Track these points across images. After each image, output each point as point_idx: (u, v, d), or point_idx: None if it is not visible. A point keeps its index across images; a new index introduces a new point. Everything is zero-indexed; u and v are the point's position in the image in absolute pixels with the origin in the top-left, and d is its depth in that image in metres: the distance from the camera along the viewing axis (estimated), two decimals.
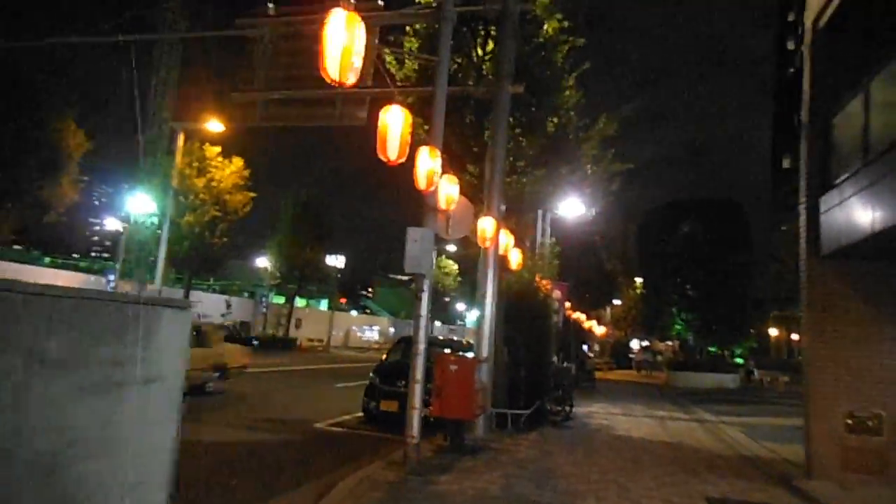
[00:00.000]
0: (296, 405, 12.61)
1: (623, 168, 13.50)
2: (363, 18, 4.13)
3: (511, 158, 10.35)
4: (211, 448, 7.69)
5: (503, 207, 9.68)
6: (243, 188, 30.14)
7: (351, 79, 3.82)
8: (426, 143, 6.99)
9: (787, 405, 18.44)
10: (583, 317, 34.05)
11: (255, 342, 31.07)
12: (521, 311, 11.02)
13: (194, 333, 12.00)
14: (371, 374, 11.00)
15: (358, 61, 3.79)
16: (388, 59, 10.40)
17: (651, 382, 31.04)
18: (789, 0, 54.00)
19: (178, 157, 23.98)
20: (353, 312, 65.76)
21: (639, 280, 49.80)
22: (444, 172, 7.22)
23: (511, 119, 9.75)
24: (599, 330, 44.82)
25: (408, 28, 10.24)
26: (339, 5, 3.82)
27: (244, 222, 31.43)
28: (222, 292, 44.74)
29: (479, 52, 10.35)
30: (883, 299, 7.68)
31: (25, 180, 18.28)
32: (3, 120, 16.82)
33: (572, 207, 15.77)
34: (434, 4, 8.87)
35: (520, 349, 10.92)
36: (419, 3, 9.72)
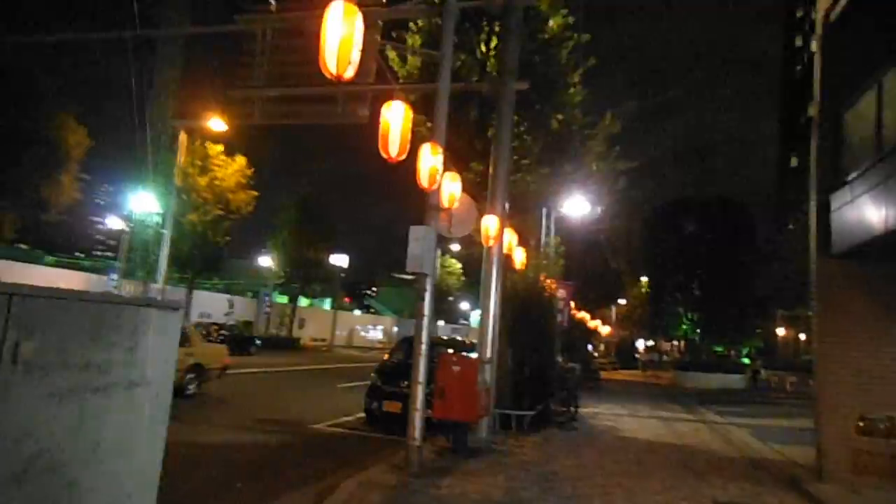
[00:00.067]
0: (297, 406, 12.52)
1: (628, 166, 13.38)
2: (364, 13, 4.02)
3: (515, 156, 10.23)
4: (209, 450, 7.60)
5: (507, 206, 9.55)
6: (246, 187, 30.08)
7: (350, 73, 3.70)
8: (429, 141, 6.86)
9: (795, 406, 18.25)
10: (588, 316, 33.89)
11: (259, 342, 31.01)
12: (525, 310, 10.88)
13: None
14: (373, 375, 10.89)
15: (357, 55, 3.68)
16: (391, 55, 10.29)
17: (657, 383, 30.86)
18: None
19: (181, 156, 23.93)
20: (357, 312, 65.76)
21: (644, 279, 49.58)
22: (446, 170, 7.10)
23: (515, 116, 9.61)
24: (604, 329, 44.64)
25: (411, 24, 10.12)
26: None
27: (247, 221, 31.38)
28: (226, 292, 44.74)
29: (483, 48, 10.21)
30: (895, 300, 7.53)
31: (24, 178, 18.23)
32: (2, 116, 16.77)
33: (577, 206, 15.62)
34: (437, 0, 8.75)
35: (524, 349, 10.79)
36: None
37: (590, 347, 36.18)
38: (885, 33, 6.84)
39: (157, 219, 22.61)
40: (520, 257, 11.33)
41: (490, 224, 8.78)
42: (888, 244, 6.57)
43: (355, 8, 3.82)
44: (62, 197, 20.47)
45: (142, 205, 22.31)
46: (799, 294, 31.40)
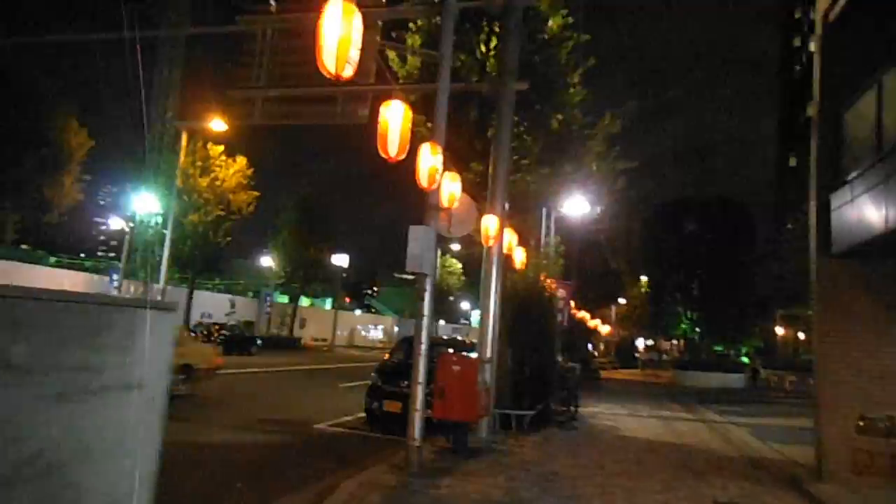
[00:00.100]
0: (298, 405, 12.53)
1: (628, 166, 13.38)
2: (363, 13, 4.02)
3: (515, 156, 10.23)
4: (209, 450, 7.61)
5: (507, 206, 9.56)
6: (247, 187, 30.11)
7: (348, 72, 3.70)
8: (428, 141, 6.86)
9: (795, 405, 18.25)
10: (587, 316, 33.89)
11: (260, 342, 31.02)
12: (525, 310, 10.88)
13: None
14: (373, 374, 10.89)
15: (355, 54, 3.68)
16: (391, 56, 10.29)
17: (656, 382, 30.85)
18: None
19: (182, 157, 23.94)
20: (358, 311, 65.76)
21: (644, 279, 49.58)
22: (446, 170, 7.10)
23: (515, 116, 9.61)
24: (604, 329, 44.64)
25: (410, 24, 10.13)
26: None
27: (248, 221, 31.44)
28: (227, 292, 44.76)
29: (483, 48, 10.22)
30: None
31: (26, 179, 18.25)
32: (2, 117, 16.79)
33: (577, 206, 15.63)
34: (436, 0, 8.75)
35: (524, 349, 10.79)
36: None
37: (590, 347, 36.20)
38: (885, 33, 6.84)
39: (159, 219, 22.63)
40: (520, 257, 11.33)
41: (490, 224, 8.79)
42: (888, 243, 6.57)
43: (353, 7, 3.83)
44: (64, 198, 20.51)
45: (143, 205, 22.32)
46: (798, 293, 31.41)
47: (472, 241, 11.28)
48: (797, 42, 56.47)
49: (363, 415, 10.56)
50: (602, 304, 42.47)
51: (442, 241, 11.08)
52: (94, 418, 1.84)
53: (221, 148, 28.36)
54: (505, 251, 9.86)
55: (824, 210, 7.82)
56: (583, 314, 31.39)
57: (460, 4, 8.14)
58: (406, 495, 5.69)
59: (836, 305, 7.80)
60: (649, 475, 7.29)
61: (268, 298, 43.52)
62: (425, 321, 6.96)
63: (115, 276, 27.31)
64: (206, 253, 29.35)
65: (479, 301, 9.67)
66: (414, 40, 10.05)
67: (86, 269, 36.40)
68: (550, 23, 10.45)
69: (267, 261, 42.21)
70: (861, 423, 7.36)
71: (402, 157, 5.53)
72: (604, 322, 43.99)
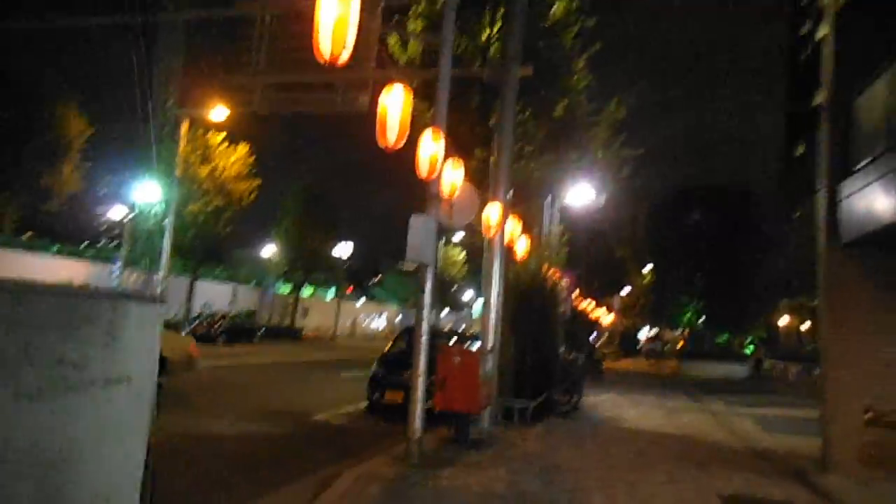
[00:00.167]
0: (299, 396, 12.49)
1: (633, 154, 13.22)
2: None
3: (518, 143, 10.08)
4: (210, 441, 7.56)
5: (510, 194, 9.43)
6: (248, 176, 29.97)
7: (345, 56, 3.57)
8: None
9: (799, 396, 18.18)
10: (591, 306, 33.80)
11: (262, 331, 31.04)
12: (528, 300, 10.79)
13: None
14: (375, 365, 10.84)
15: (352, 37, 3.55)
16: (392, 42, 10.14)
17: (660, 372, 30.81)
18: None
19: (182, 145, 23.76)
20: (361, 301, 65.76)
21: (648, 268, 49.42)
22: (448, 158, 6.97)
23: (518, 103, 9.46)
24: (608, 319, 44.57)
25: (412, 9, 9.95)
26: None
27: (250, 211, 31.32)
28: (229, 281, 44.74)
29: (486, 33, 10.04)
30: None
31: (25, 167, 18.16)
32: (1, 106, 16.67)
33: (581, 194, 15.45)
34: None
35: (526, 339, 10.70)
36: None
37: (593, 337, 36.13)
38: None
39: (160, 208, 22.52)
40: (523, 247, 11.21)
41: (492, 213, 8.67)
42: None
43: None
44: (64, 186, 20.42)
45: (144, 194, 22.21)
46: (803, 284, 31.24)
47: (475, 231, 11.16)
48: (804, 30, 55.82)
49: (364, 405, 10.52)
50: (606, 293, 42.35)
51: (444, 231, 10.96)
52: (78, 414, 1.75)
53: (222, 136, 28.18)
54: (507, 241, 9.75)
55: (833, 199, 7.68)
56: (586, 304, 31.31)
57: None
58: (406, 487, 5.62)
59: (843, 296, 7.67)
60: (652, 467, 7.21)
61: (270, 288, 43.52)
62: (426, 312, 6.86)
63: (117, 266, 27.29)
64: (207, 242, 29.29)
65: (481, 291, 9.57)
66: (415, 25, 9.88)
67: (88, 258, 36.38)
68: (555, 7, 10.26)
69: (269, 250, 42.16)
70: (868, 415, 7.27)
71: (401, 145, 5.40)
72: (607, 312, 43.92)
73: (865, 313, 7.52)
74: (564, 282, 15.41)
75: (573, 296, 21.01)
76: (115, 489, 1.87)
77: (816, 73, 8.47)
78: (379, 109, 5.34)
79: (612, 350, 42.72)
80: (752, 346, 46.78)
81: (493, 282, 9.01)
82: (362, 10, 3.81)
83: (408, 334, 11.51)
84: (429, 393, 7.12)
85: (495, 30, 9.86)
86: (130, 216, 24.26)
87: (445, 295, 51.27)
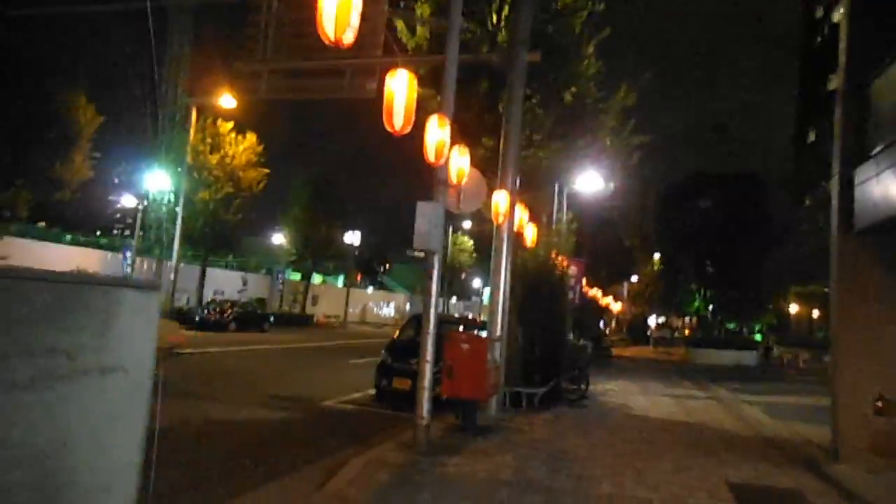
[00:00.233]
0: (308, 382, 12.57)
1: (643, 141, 13.08)
2: None
3: (527, 130, 10.00)
4: (219, 427, 7.62)
5: (518, 181, 9.35)
6: (257, 164, 30.04)
7: (349, 37, 3.52)
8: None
9: (808, 383, 18.06)
10: (600, 293, 33.70)
11: (272, 319, 31.23)
12: (536, 287, 10.75)
13: None
14: (383, 352, 10.88)
15: (356, 18, 3.49)
16: (400, 26, 10.05)
17: (668, 359, 30.72)
18: None
19: (192, 133, 23.84)
20: (370, 288, 65.99)
21: (657, 256, 49.11)
22: (455, 144, 6.91)
23: (527, 89, 9.36)
24: (616, 306, 44.45)
25: None
26: None
27: (260, 199, 31.44)
28: (240, 269, 45.01)
29: (494, 18, 9.93)
30: None
31: (36, 157, 18.26)
32: (11, 95, 16.72)
33: (590, 181, 15.35)
34: None
35: (535, 326, 10.68)
36: None
37: (601, 324, 36.07)
38: None
39: (171, 197, 22.64)
40: (531, 234, 11.15)
41: (500, 200, 8.61)
42: None
43: None
44: (75, 175, 20.52)
45: (155, 183, 22.33)
46: (813, 271, 30.93)
47: (483, 219, 11.11)
48: (819, 13, 54.77)
49: (373, 392, 10.56)
50: (615, 281, 42.27)
51: (452, 218, 10.93)
52: (72, 404, 1.73)
53: (231, 125, 28.24)
54: (516, 228, 9.70)
55: (847, 185, 7.54)
56: (595, 291, 31.22)
57: None
58: (413, 473, 5.64)
59: (855, 284, 7.56)
60: (660, 455, 7.19)
61: (280, 276, 43.74)
62: (433, 299, 6.85)
63: (128, 254, 27.51)
64: (217, 230, 29.46)
65: (489, 278, 9.55)
66: (423, 10, 9.78)
67: (101, 247, 36.72)
68: None
69: (279, 238, 42.34)
70: (879, 404, 7.19)
71: (408, 129, 5.35)
72: (616, 299, 43.81)
73: (877, 302, 7.41)
74: (573, 269, 15.35)
75: (581, 283, 20.93)
76: (114, 479, 1.86)
77: (828, 58, 8.31)
78: (385, 94, 5.29)
79: (620, 337, 42.66)
80: (760, 334, 46.50)
81: (502, 269, 8.97)
82: None
83: (416, 322, 11.53)
84: (436, 380, 7.13)
85: (504, 14, 9.74)
86: (143, 205, 24.42)
87: (454, 283, 51.31)
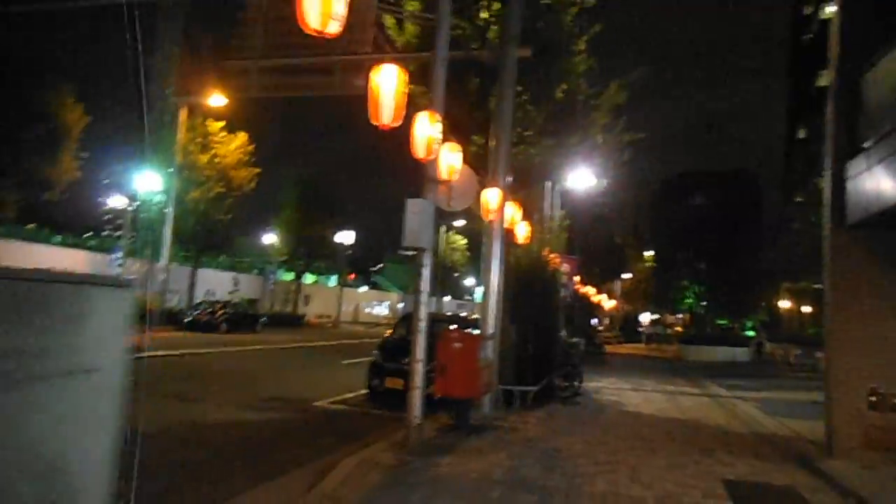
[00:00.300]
0: (300, 383, 12.47)
1: (634, 138, 13.04)
2: None
3: (518, 127, 9.93)
4: (211, 428, 7.52)
5: (510, 178, 9.29)
6: (248, 163, 29.83)
7: (333, 28, 3.43)
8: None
9: (800, 379, 18.13)
10: (592, 290, 33.74)
11: (264, 319, 31.02)
12: (528, 285, 10.70)
13: None
14: (375, 351, 10.79)
15: (340, 8, 3.41)
16: (389, 23, 9.95)
17: (661, 356, 30.79)
18: None
19: (182, 133, 23.64)
20: (363, 288, 65.77)
21: (649, 253, 49.29)
22: (446, 140, 6.84)
23: (518, 86, 9.29)
24: (609, 303, 44.51)
25: None
26: None
27: (251, 199, 31.21)
28: (231, 269, 44.70)
29: (484, 14, 9.85)
30: None
31: (23, 156, 18.01)
32: None
33: (582, 179, 15.32)
34: None
35: (527, 324, 10.63)
36: None
37: (594, 322, 36.11)
38: None
39: (161, 197, 22.43)
40: (523, 231, 11.10)
41: (491, 197, 8.55)
42: None
43: None
44: (63, 175, 20.28)
45: (145, 183, 22.12)
46: (804, 267, 31.09)
47: (475, 217, 11.05)
48: (808, 10, 55.07)
49: (365, 392, 10.48)
50: (607, 278, 42.30)
51: (444, 216, 10.86)
52: (39, 406, 1.65)
53: (221, 124, 28.01)
54: (507, 225, 9.64)
55: (839, 179, 7.53)
56: (587, 289, 31.24)
57: None
58: (406, 473, 5.57)
59: (848, 279, 7.56)
60: (654, 452, 7.15)
61: (272, 276, 43.47)
62: (424, 297, 6.78)
63: (118, 255, 27.21)
64: (208, 230, 29.21)
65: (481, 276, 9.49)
66: (413, 6, 9.69)
67: (90, 248, 36.36)
68: None
69: (270, 238, 42.08)
70: (873, 398, 7.18)
71: (397, 124, 5.27)
72: (609, 297, 43.87)
73: (870, 296, 7.41)
74: (565, 267, 15.31)
75: (574, 280, 20.92)
76: (87, 481, 1.77)
77: (819, 55, 8.30)
78: (371, 88, 5.20)
79: (613, 335, 42.72)
80: (752, 331, 46.75)
81: (493, 267, 8.91)
82: None
83: (408, 321, 11.44)
84: (429, 379, 7.06)
85: (493, 10, 9.67)
86: (132, 206, 24.17)
87: (448, 281, 51.25)
